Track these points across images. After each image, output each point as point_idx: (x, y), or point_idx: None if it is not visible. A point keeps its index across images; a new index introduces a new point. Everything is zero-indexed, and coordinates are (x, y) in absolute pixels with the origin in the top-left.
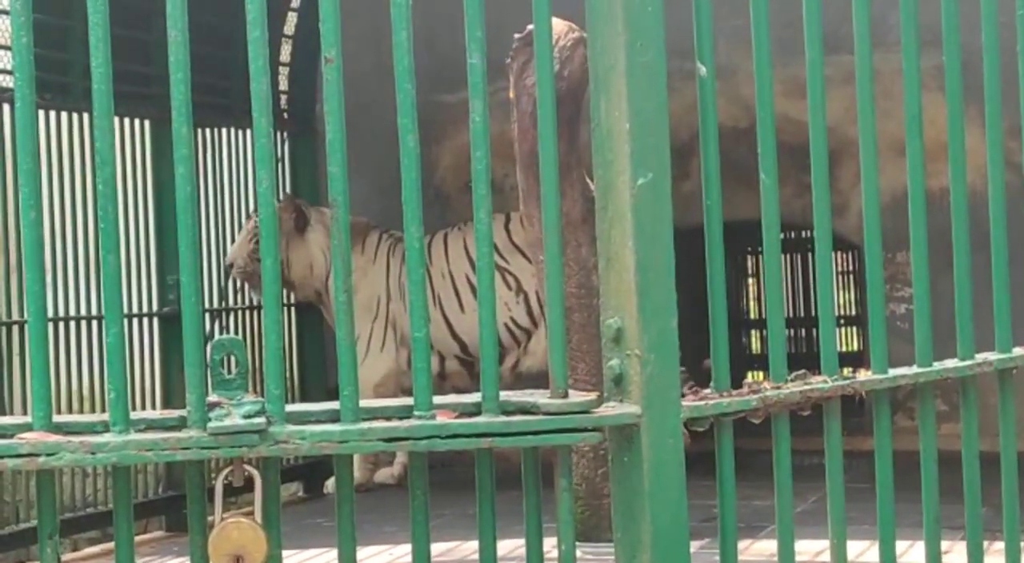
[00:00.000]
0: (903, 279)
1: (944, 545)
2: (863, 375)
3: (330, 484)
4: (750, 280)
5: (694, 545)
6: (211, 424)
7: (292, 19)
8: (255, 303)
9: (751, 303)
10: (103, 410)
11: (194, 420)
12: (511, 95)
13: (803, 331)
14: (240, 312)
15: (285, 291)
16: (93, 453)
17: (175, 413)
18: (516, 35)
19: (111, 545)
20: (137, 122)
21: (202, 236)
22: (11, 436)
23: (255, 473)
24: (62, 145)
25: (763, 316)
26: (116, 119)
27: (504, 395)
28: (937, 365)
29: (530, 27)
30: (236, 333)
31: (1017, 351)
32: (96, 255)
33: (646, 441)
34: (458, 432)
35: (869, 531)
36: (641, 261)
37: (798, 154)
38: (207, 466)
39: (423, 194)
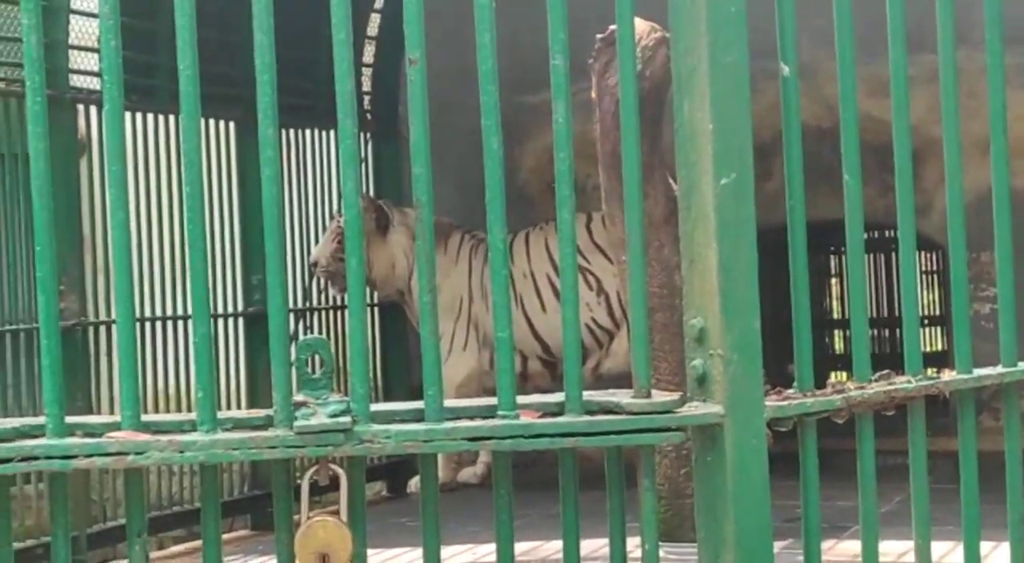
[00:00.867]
0: (987, 279)
1: None
2: (947, 375)
3: (413, 483)
4: (833, 280)
5: (777, 545)
6: (297, 423)
7: (376, 20)
8: (339, 302)
9: (834, 303)
10: (189, 410)
11: (280, 419)
12: (593, 96)
13: (886, 331)
14: (324, 312)
15: (368, 290)
16: (181, 452)
17: (261, 412)
18: (598, 35)
19: (197, 543)
20: (223, 124)
21: (287, 236)
22: (100, 435)
23: (341, 472)
24: (149, 147)
25: (846, 316)
26: (202, 121)
27: (587, 395)
28: (1022, 365)
29: (612, 27)
30: (319, 332)
31: None
32: (183, 256)
33: (729, 441)
34: (542, 432)
35: (953, 532)
36: (724, 261)
37: (881, 153)
38: (293, 465)
39: (506, 195)
